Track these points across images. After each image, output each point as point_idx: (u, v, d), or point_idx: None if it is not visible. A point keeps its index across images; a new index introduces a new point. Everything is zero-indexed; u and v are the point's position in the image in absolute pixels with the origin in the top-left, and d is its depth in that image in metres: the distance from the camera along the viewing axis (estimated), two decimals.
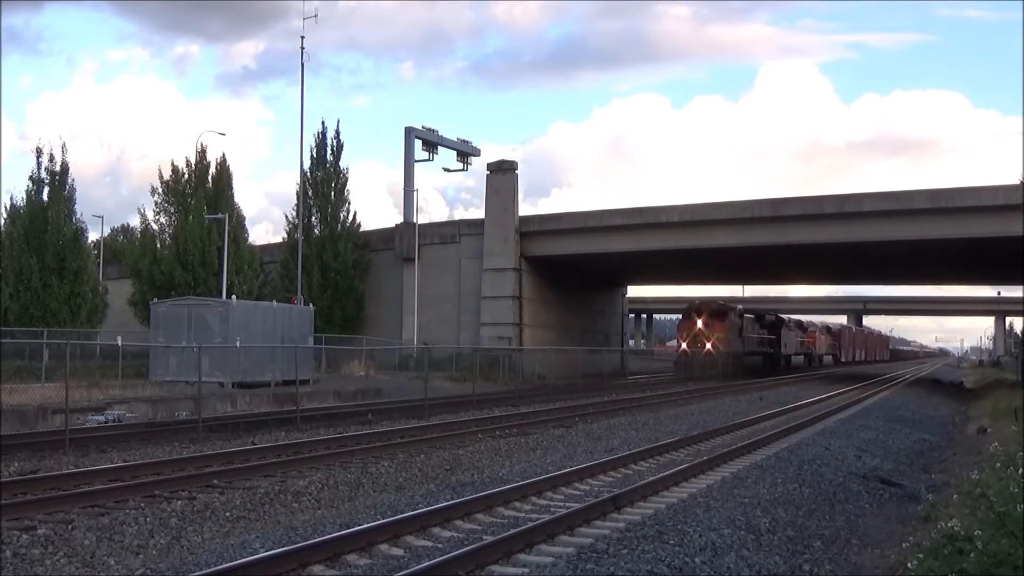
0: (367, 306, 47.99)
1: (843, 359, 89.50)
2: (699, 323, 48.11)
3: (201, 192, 42.30)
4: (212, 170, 43.23)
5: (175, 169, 42.92)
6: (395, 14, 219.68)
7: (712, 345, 47.74)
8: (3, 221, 39.78)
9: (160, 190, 42.95)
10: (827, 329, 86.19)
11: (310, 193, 47.36)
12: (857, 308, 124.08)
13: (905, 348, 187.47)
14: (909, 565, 7.16)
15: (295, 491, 11.64)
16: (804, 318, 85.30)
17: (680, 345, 50.04)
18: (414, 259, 47.12)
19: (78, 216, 39.86)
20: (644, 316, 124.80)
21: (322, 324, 39.47)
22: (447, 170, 53.65)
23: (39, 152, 38.90)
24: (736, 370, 48.92)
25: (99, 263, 47.85)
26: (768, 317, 62.23)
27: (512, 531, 8.95)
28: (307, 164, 47.54)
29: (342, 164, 48.73)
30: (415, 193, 49.27)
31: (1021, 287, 73.38)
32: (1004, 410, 21.94)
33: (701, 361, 46.77)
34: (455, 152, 52.91)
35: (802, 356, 71.30)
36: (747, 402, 29.57)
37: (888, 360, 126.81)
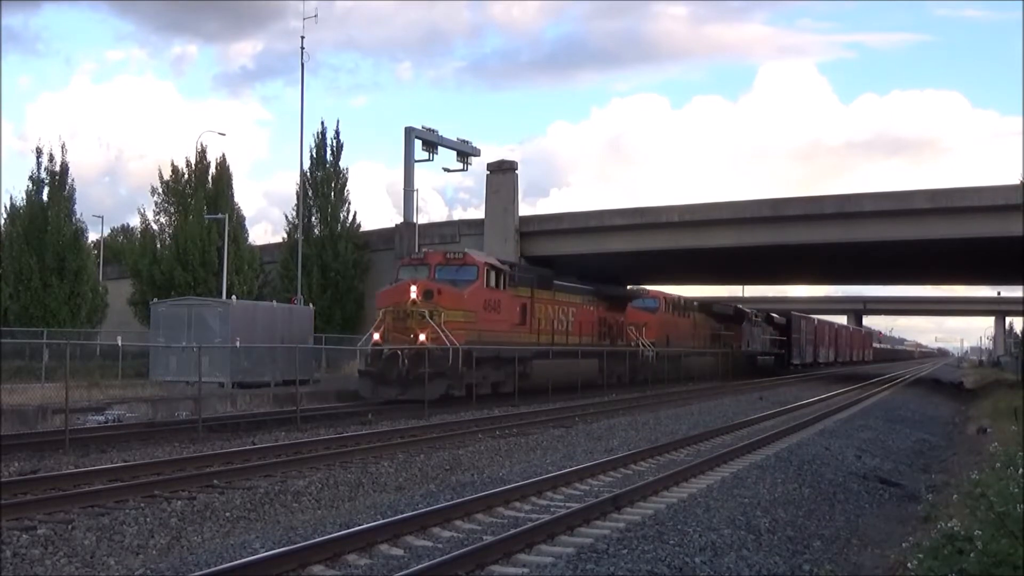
0: (367, 306, 47.93)
1: (795, 361, 64.38)
2: (412, 291, 24.37)
3: (201, 192, 42.32)
4: (212, 170, 43.25)
5: (175, 169, 42.95)
6: (393, 14, 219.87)
7: (429, 336, 23.79)
8: (3, 221, 39.83)
9: (160, 190, 42.99)
10: (768, 319, 60.78)
11: (310, 193, 47.37)
12: (857, 308, 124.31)
13: (899, 348, 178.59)
14: (909, 565, 7.16)
15: (295, 491, 11.63)
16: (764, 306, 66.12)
17: (372, 336, 25.05)
18: None
19: (78, 216, 39.94)
20: None
21: (322, 324, 39.45)
22: (447, 170, 53.63)
23: (39, 152, 38.98)
24: (510, 384, 26.56)
25: (99, 263, 47.84)
26: (621, 291, 39.08)
27: (512, 531, 8.95)
28: (307, 164, 47.58)
29: (342, 164, 48.81)
30: (415, 193, 49.28)
31: (1021, 287, 73.54)
32: (1004, 410, 21.96)
33: (405, 372, 23.31)
34: (455, 152, 52.92)
35: (710, 356, 45.55)
36: (747, 402, 29.61)
37: (870, 362, 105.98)
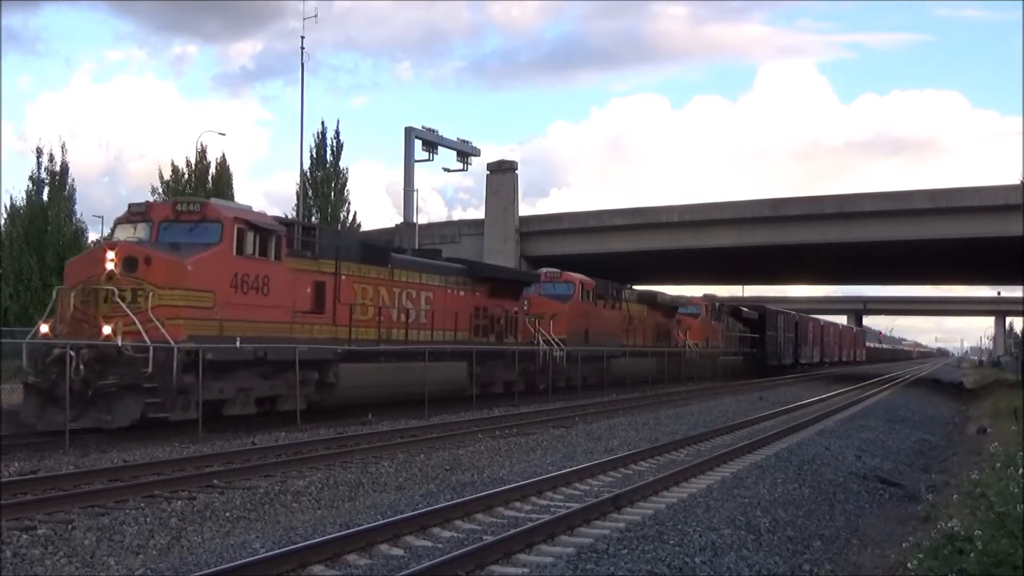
0: None
1: (771, 362, 55.91)
2: (108, 259, 15.77)
3: (201, 192, 42.32)
4: (212, 170, 43.33)
5: (175, 169, 43.02)
6: (392, 14, 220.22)
7: (119, 328, 15.36)
8: (3, 221, 39.87)
9: (160, 190, 43.01)
10: (735, 313, 52.93)
11: (310, 193, 47.36)
12: (857, 308, 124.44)
13: (896, 348, 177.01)
14: (909, 565, 7.16)
15: (295, 491, 11.63)
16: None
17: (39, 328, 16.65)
18: None
19: (78, 216, 40.02)
20: None
21: None
22: (447, 170, 53.67)
23: (39, 152, 39.06)
24: (294, 399, 18.11)
25: None
26: (513, 272, 32.49)
27: (512, 531, 8.95)
28: (307, 164, 47.56)
29: (342, 164, 48.83)
30: (415, 193, 49.24)
31: (1021, 287, 73.58)
32: (1004, 410, 21.96)
33: (80, 384, 15.06)
34: (455, 152, 52.93)
35: (651, 357, 37.18)
36: (747, 402, 29.61)
37: (863, 363, 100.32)
